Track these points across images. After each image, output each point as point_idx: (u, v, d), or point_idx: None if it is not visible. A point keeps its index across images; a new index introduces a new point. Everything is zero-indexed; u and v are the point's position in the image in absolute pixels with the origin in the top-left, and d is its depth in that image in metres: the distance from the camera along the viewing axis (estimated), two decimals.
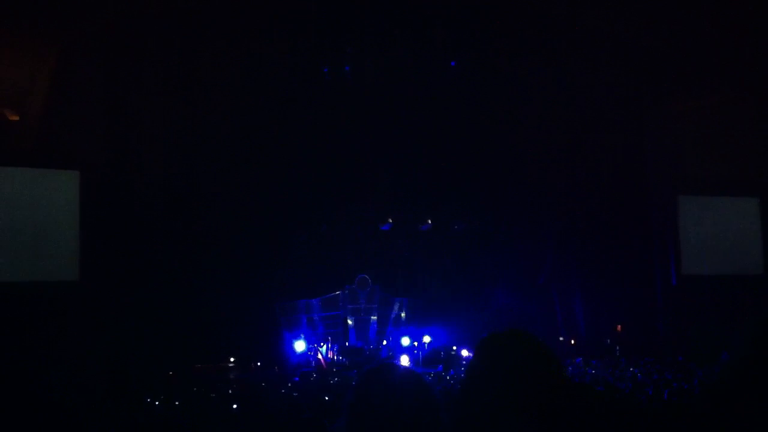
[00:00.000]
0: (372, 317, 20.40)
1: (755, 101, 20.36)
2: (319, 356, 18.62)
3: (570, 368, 16.17)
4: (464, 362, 17.68)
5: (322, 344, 19.09)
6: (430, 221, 21.35)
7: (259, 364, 18.40)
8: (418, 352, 19.38)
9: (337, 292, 20.40)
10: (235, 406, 10.62)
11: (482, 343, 1.94)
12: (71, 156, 16.95)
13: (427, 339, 19.36)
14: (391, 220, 21.01)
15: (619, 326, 20.54)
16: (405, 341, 19.83)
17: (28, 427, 1.29)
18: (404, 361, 17.73)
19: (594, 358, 18.86)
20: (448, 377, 15.50)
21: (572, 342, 20.17)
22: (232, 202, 18.81)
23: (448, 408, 1.94)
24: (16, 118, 16.88)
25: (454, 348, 19.47)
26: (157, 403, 11.20)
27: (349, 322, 20.25)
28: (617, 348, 19.75)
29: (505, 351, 1.87)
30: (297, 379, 16.10)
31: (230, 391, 12.73)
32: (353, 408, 1.95)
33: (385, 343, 20.07)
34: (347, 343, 19.78)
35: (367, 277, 20.47)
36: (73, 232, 16.64)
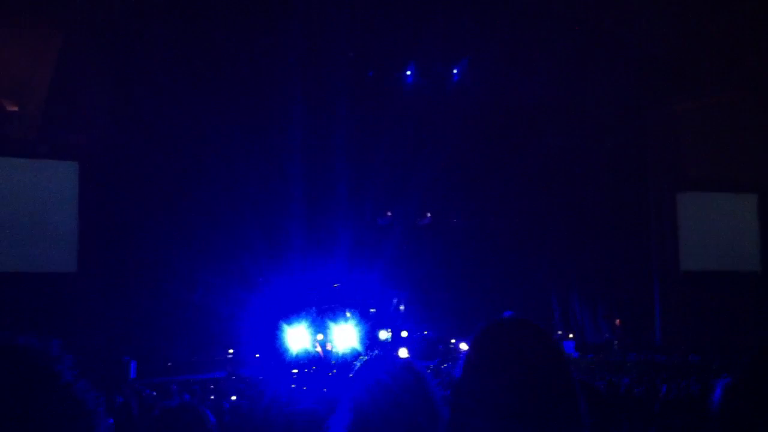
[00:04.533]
0: (371, 310, 20.42)
1: (754, 99, 20.36)
2: (318, 348, 18.65)
3: None
4: (460, 356, 17.68)
5: (320, 336, 19.11)
6: (429, 215, 21.37)
7: (258, 355, 18.44)
8: (416, 345, 19.42)
9: (336, 285, 20.41)
10: (234, 397, 10.65)
11: (481, 332, 1.76)
12: (70, 147, 16.92)
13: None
14: (390, 214, 21.03)
15: (617, 321, 20.59)
16: (403, 334, 19.87)
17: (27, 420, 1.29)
18: (403, 353, 17.75)
19: (592, 353, 18.91)
20: (443, 367, 15.53)
21: (570, 337, 20.20)
22: (232, 195, 18.81)
23: (445, 401, 1.91)
24: (14, 108, 16.84)
25: (453, 341, 19.51)
26: (155, 393, 11.22)
27: (348, 314, 20.26)
28: (615, 343, 19.79)
29: (506, 341, 1.70)
30: (296, 371, 16.12)
31: (229, 383, 12.75)
32: (353, 401, 1.95)
33: (383, 336, 20.09)
34: (346, 336, 19.79)
35: (366, 270, 20.48)
36: (71, 223, 16.61)
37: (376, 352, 2.10)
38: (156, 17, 17.17)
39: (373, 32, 18.70)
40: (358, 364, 2.06)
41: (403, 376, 1.98)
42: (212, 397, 11.12)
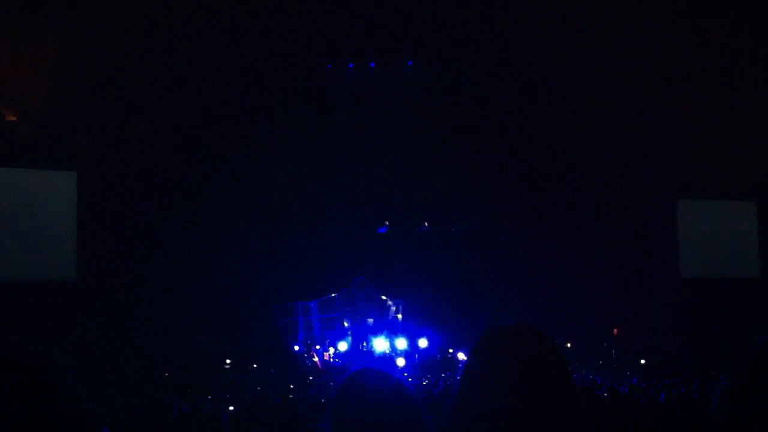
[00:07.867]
0: (369, 319, 20.34)
1: (755, 104, 20.38)
2: (316, 358, 18.60)
3: None
4: (461, 365, 17.63)
5: (318, 346, 19.06)
6: (427, 224, 21.34)
7: (255, 365, 18.39)
8: (414, 355, 19.34)
9: (334, 294, 20.35)
10: (231, 408, 10.61)
11: (483, 338, 1.73)
12: (68, 156, 16.92)
13: (423, 343, 19.21)
14: (387, 223, 21.01)
15: (616, 329, 20.54)
16: (401, 344, 19.78)
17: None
18: (400, 363, 17.73)
19: (591, 361, 18.85)
20: (443, 375, 15.49)
21: (568, 345, 20.16)
22: (230, 203, 18.82)
23: (443, 412, 1.89)
24: (13, 118, 16.85)
25: (451, 350, 19.43)
26: (154, 400, 11.17)
27: (346, 324, 20.20)
28: (614, 351, 19.74)
29: (508, 347, 1.68)
30: (293, 381, 16.08)
31: (227, 395, 12.71)
32: (333, 413, 1.93)
33: (380, 345, 20.01)
34: (344, 346, 19.73)
35: (364, 279, 20.43)
36: (70, 232, 16.60)
37: (364, 364, 2.08)
38: (154, 25, 17.20)
39: (371, 30, 18.73)
40: (346, 375, 2.04)
41: (383, 389, 1.96)
42: (209, 408, 11.07)
